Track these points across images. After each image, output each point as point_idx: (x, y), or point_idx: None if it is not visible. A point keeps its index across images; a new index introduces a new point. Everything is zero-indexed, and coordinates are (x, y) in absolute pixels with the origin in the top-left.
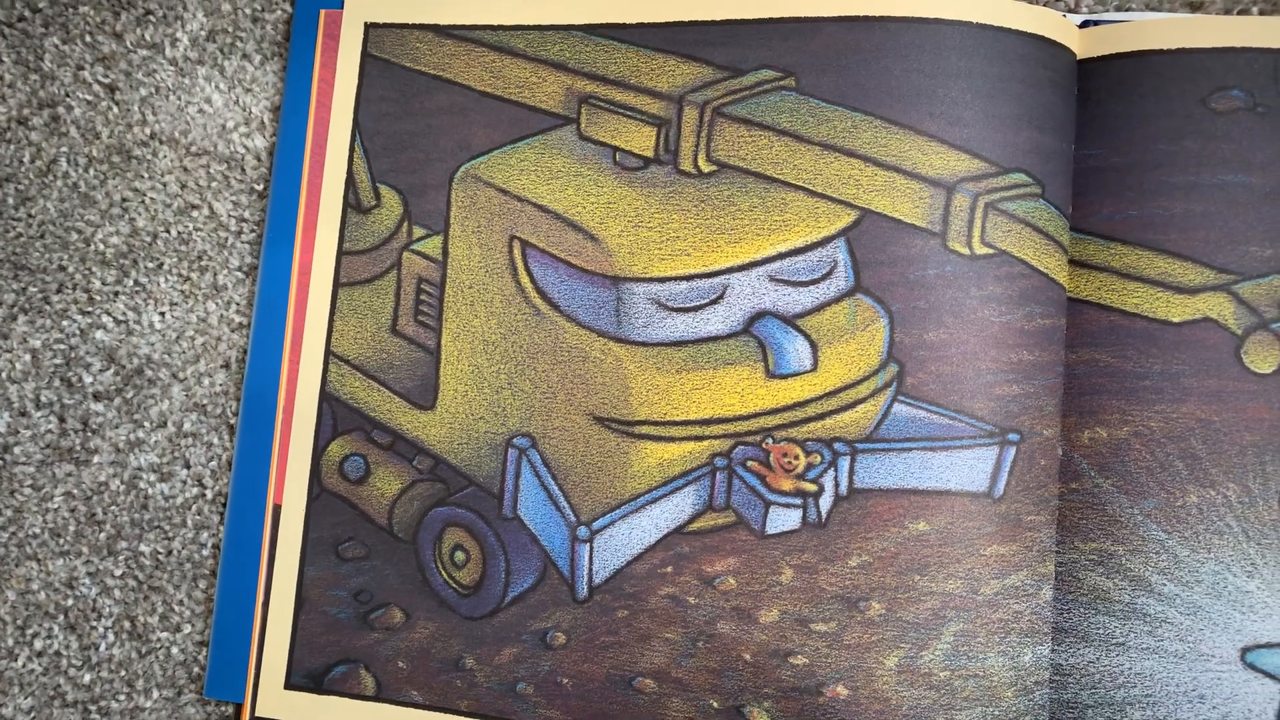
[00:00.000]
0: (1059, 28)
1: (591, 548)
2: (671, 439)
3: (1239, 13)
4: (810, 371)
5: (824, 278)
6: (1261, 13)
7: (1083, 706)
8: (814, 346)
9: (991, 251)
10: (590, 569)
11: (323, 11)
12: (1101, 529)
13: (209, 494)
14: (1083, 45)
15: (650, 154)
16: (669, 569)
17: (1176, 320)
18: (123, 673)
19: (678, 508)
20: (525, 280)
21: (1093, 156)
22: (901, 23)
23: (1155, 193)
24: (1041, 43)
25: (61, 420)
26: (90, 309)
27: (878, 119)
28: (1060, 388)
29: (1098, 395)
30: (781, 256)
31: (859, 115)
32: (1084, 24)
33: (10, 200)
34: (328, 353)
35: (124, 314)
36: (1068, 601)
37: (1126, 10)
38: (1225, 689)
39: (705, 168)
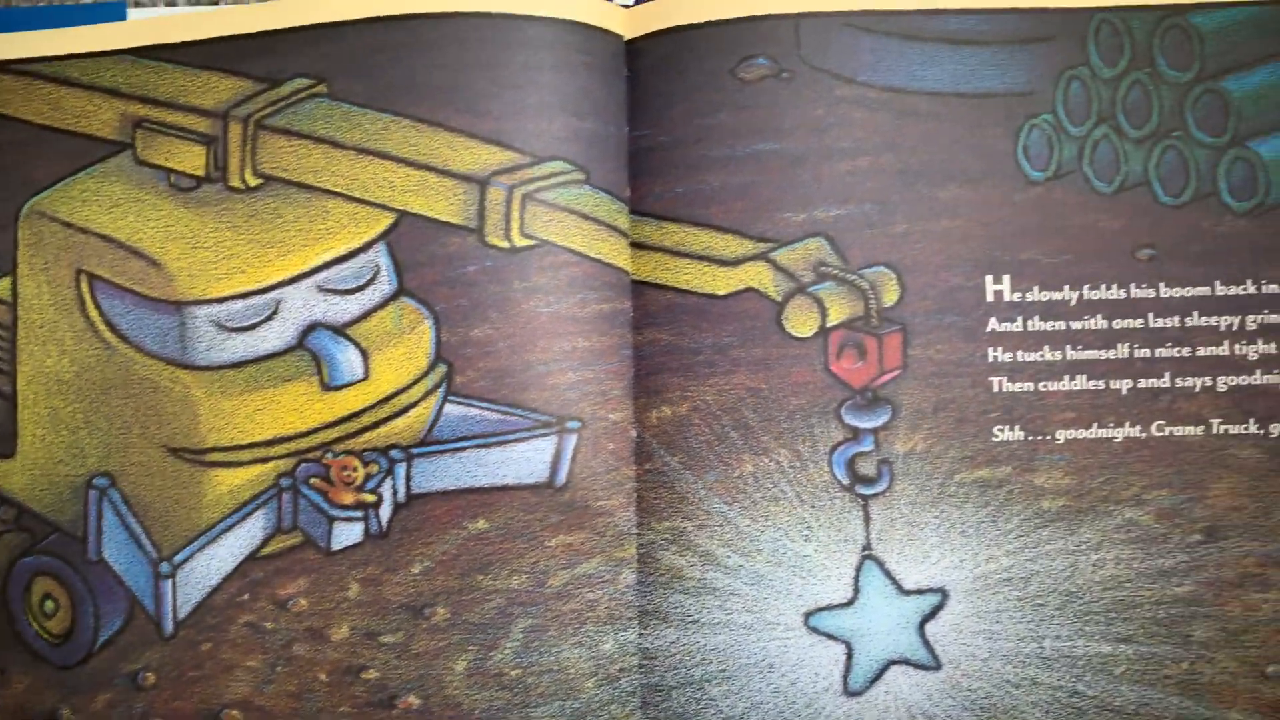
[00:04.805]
0: (595, 11)
1: (174, 583)
2: (240, 463)
3: None
4: (363, 380)
5: (368, 284)
6: None
7: (668, 689)
8: (365, 354)
9: (533, 242)
10: (175, 604)
11: None
12: (672, 507)
13: None
14: (630, 25)
15: (202, 173)
16: (246, 596)
17: (723, 293)
18: None
19: (250, 533)
20: (94, 314)
21: (644, 137)
22: (423, 19)
23: (697, 168)
24: (577, 27)
25: None
26: None
27: (407, 119)
28: (629, 371)
29: (661, 374)
30: (327, 266)
31: (388, 116)
32: (637, 2)
33: None
34: None
35: None
36: (649, 583)
37: None
38: (792, 655)
39: (252, 182)
